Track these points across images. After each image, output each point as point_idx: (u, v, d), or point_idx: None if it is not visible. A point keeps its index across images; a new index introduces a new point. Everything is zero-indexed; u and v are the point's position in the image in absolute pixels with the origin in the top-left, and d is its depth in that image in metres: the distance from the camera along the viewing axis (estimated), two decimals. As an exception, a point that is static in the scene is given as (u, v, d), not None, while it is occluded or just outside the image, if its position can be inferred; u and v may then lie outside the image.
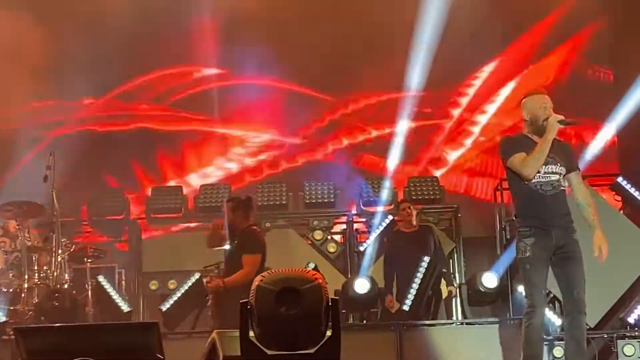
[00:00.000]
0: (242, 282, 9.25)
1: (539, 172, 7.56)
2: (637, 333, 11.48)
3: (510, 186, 7.88)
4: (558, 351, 11.21)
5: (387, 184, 13.31)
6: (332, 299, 5.95)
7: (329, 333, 5.95)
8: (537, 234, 7.56)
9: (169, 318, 11.31)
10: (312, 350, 5.82)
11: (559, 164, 7.65)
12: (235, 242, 9.68)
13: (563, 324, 8.14)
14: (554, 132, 7.54)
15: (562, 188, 7.67)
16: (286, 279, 5.95)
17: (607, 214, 11.98)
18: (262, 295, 5.89)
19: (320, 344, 5.87)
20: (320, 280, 5.94)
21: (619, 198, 12.58)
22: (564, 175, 7.73)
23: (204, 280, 10.30)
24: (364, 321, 11.83)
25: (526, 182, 7.59)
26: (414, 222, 11.56)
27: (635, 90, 12.49)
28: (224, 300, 9.43)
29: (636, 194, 12.26)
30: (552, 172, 7.60)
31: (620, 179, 12.38)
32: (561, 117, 7.56)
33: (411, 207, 11.56)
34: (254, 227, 9.81)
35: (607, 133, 13.54)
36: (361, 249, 12.81)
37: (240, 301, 6.12)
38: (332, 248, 12.81)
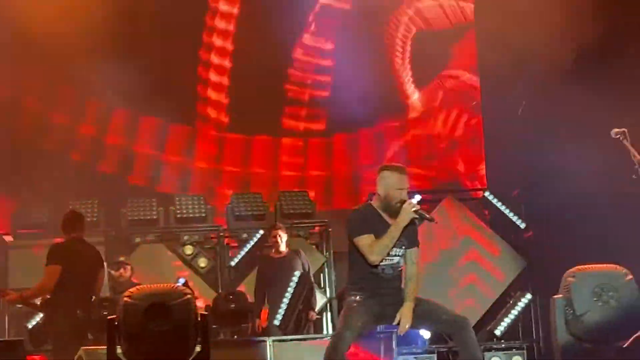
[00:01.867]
0: (36, 293, 9.31)
1: None
2: (503, 345, 11.72)
3: (350, 258, 7.61)
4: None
5: (257, 199, 13.28)
6: (201, 314, 5.93)
7: (198, 348, 5.92)
8: (373, 295, 7.45)
9: (35, 336, 11.09)
10: (181, 366, 5.79)
11: (403, 246, 7.51)
12: None
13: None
14: (407, 220, 7.36)
15: (400, 269, 7.55)
16: (155, 295, 5.90)
17: (475, 228, 12.29)
18: (130, 311, 5.82)
19: (190, 359, 5.84)
20: (190, 296, 5.90)
21: (486, 212, 12.81)
22: (406, 249, 7.61)
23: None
24: (235, 336, 11.77)
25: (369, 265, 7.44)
26: (283, 249, 11.59)
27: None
28: (53, 319, 9.32)
29: (502, 208, 12.48)
30: (395, 255, 7.47)
31: (487, 194, 12.60)
32: (417, 207, 7.41)
33: (280, 235, 11.57)
34: (68, 241, 9.60)
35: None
36: (232, 263, 12.77)
37: (108, 317, 6.05)
38: (202, 263, 12.70)
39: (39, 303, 9.56)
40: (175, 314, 5.77)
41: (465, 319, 7.54)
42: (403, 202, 7.41)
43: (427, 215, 7.48)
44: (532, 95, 12.56)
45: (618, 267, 6.49)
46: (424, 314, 7.59)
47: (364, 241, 7.39)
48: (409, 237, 7.54)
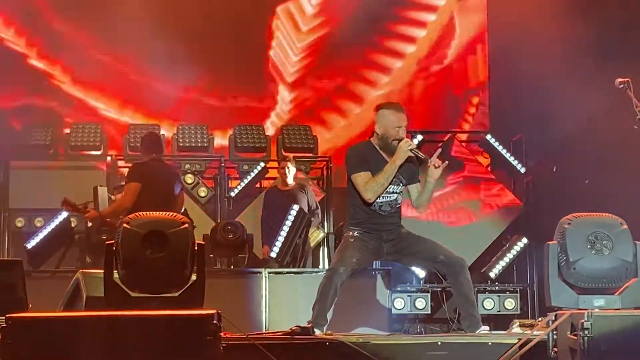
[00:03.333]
0: (115, 210, 9.44)
1: None
2: (497, 287, 11.80)
3: (348, 195, 7.69)
4: (420, 302, 11.50)
5: (260, 131, 13.31)
6: (198, 243, 5.98)
7: (194, 277, 5.98)
8: (370, 230, 7.55)
9: (34, 256, 11.21)
10: (176, 294, 5.84)
11: (400, 183, 7.58)
12: None
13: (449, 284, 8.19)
14: (402, 159, 7.41)
15: (398, 205, 7.62)
16: (153, 222, 5.95)
17: (475, 170, 12.30)
18: (128, 238, 5.88)
19: (185, 288, 5.90)
20: (187, 225, 5.95)
21: (487, 156, 12.82)
22: (405, 186, 7.69)
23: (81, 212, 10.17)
24: (232, 266, 11.86)
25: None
26: (290, 181, 11.64)
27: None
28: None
29: (503, 151, 12.48)
30: (393, 192, 7.54)
31: (488, 137, 12.60)
32: (413, 145, 7.44)
33: (288, 167, 11.61)
34: (147, 161, 9.75)
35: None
36: (232, 194, 12.84)
37: (106, 242, 6.11)
38: (202, 192, 12.75)
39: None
40: (172, 243, 5.82)
41: (461, 260, 7.62)
42: (400, 140, 7.44)
43: (422, 155, 7.50)
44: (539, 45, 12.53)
45: (613, 216, 6.53)
46: (421, 252, 7.67)
47: (360, 179, 7.45)
48: (407, 174, 7.59)
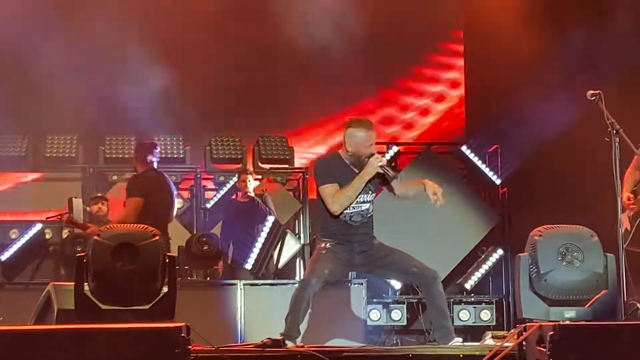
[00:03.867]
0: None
1: (351, 204, 7.45)
2: (472, 299, 11.83)
3: (319, 205, 7.64)
4: (396, 314, 11.52)
5: (237, 142, 13.29)
6: (169, 255, 5.98)
7: (165, 289, 5.98)
8: (342, 241, 7.53)
9: (8, 268, 11.18)
10: (146, 306, 5.84)
11: (371, 192, 7.57)
12: None
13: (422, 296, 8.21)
14: (371, 174, 7.40)
15: (369, 215, 7.60)
16: (124, 235, 5.96)
17: (450, 182, 12.31)
18: (99, 250, 5.88)
19: (155, 300, 5.90)
20: (158, 237, 5.96)
21: (462, 166, 12.84)
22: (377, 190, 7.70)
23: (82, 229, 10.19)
24: (207, 278, 11.85)
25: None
26: (250, 193, 11.64)
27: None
28: None
29: (479, 162, 12.51)
30: (364, 202, 7.53)
31: (464, 148, 12.62)
32: (383, 162, 7.42)
33: (248, 179, 11.62)
34: (145, 172, 9.77)
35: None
36: (208, 206, 12.82)
37: (77, 254, 6.10)
38: (178, 204, 12.66)
39: None
40: (143, 255, 5.82)
41: (434, 272, 7.62)
42: (371, 155, 7.45)
43: (391, 174, 7.48)
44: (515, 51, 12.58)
45: (584, 228, 6.56)
46: (393, 263, 7.67)
47: (327, 190, 7.45)
48: (373, 182, 7.59)
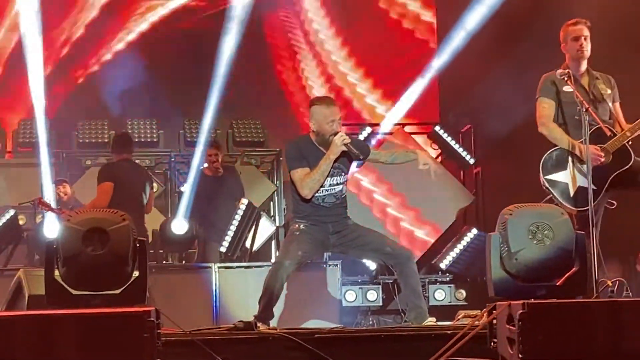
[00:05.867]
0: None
1: (322, 186, 7.46)
2: (448, 279, 11.87)
3: (291, 187, 7.68)
4: (371, 294, 11.55)
5: (208, 125, 13.23)
6: (139, 240, 5.96)
7: (136, 274, 5.96)
8: (316, 222, 7.53)
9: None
10: (117, 291, 5.83)
11: (344, 173, 7.58)
12: None
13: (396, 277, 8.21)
14: (336, 153, 7.40)
15: (344, 195, 7.61)
16: (93, 220, 5.92)
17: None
18: (69, 235, 5.85)
19: (126, 285, 5.88)
20: (128, 221, 5.93)
21: (436, 147, 12.87)
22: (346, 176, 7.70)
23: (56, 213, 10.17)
24: (183, 261, 11.84)
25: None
26: (219, 168, 11.57)
27: (455, 34, 12.62)
28: None
29: (452, 142, 12.55)
30: (337, 184, 7.53)
31: (437, 128, 12.65)
32: (347, 140, 7.41)
33: (217, 154, 11.52)
34: (119, 162, 9.93)
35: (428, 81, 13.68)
36: (182, 189, 12.79)
37: (46, 241, 6.08)
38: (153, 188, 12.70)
39: None
40: (113, 239, 5.80)
41: (407, 252, 7.66)
42: (335, 134, 7.45)
43: (356, 152, 7.49)
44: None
45: (554, 206, 6.58)
46: (368, 244, 7.69)
47: (297, 175, 7.47)
48: (345, 163, 7.60)
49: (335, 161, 7.47)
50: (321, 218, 7.57)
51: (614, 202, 7.71)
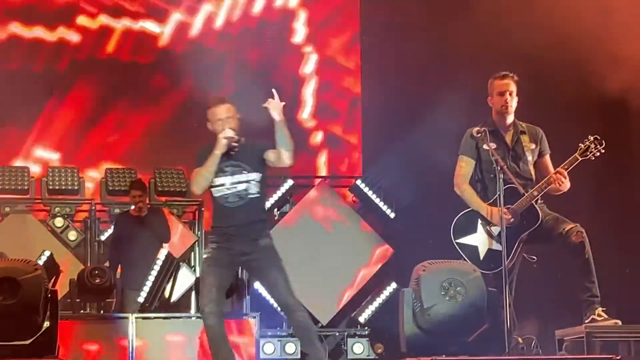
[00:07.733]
0: None
1: (223, 184, 7.39)
2: (366, 332, 11.91)
3: None
4: (289, 347, 11.54)
5: (132, 173, 13.18)
6: (51, 290, 5.94)
7: (47, 324, 5.93)
8: (222, 241, 7.48)
9: None
10: (27, 342, 5.78)
11: (246, 171, 7.47)
12: None
13: None
14: (222, 148, 7.34)
15: (251, 196, 7.45)
16: (5, 269, 5.89)
17: (345, 215, 12.43)
18: (-20, 285, 5.80)
19: (37, 335, 5.84)
20: (40, 271, 5.91)
21: (357, 200, 12.94)
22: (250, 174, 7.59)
23: None
24: (101, 311, 11.73)
25: (214, 195, 7.46)
26: (143, 208, 11.61)
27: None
28: None
29: (374, 197, 12.62)
30: (239, 182, 7.42)
31: (359, 182, 12.72)
32: (229, 133, 7.35)
33: (142, 195, 11.57)
34: None
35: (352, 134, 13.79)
36: (102, 238, 12.70)
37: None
38: (72, 236, 12.58)
39: None
40: (24, 289, 5.77)
41: (294, 306, 7.43)
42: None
43: (236, 146, 7.42)
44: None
45: (467, 263, 6.67)
46: (267, 283, 7.73)
47: (194, 173, 7.54)
48: (248, 161, 7.49)
49: (233, 159, 7.42)
50: (226, 229, 7.45)
51: (534, 257, 7.78)
